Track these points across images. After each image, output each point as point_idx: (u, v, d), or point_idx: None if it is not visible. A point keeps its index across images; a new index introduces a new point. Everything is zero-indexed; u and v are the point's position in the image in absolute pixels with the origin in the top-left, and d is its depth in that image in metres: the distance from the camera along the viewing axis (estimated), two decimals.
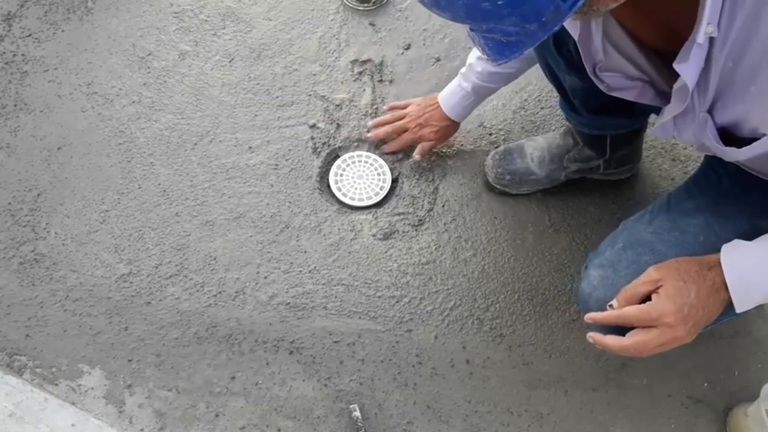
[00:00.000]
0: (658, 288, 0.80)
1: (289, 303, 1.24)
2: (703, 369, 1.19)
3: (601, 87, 0.87)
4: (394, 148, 1.39)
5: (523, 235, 1.31)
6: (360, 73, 1.48)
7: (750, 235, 0.80)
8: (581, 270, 0.99)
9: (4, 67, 1.48)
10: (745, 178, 0.89)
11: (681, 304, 0.77)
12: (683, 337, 0.78)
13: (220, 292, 1.25)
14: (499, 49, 0.67)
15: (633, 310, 0.80)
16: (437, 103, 1.31)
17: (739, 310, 0.77)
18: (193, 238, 1.30)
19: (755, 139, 0.72)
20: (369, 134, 1.40)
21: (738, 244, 0.79)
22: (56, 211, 1.32)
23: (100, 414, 1.13)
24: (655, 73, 0.81)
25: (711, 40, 0.66)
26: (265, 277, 1.26)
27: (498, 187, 1.33)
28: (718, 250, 0.80)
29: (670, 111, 0.78)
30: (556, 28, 0.62)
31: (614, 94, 0.86)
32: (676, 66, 0.69)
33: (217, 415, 1.14)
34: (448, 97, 1.29)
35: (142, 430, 1.12)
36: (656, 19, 0.74)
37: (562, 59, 1.02)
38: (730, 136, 0.76)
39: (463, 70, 1.25)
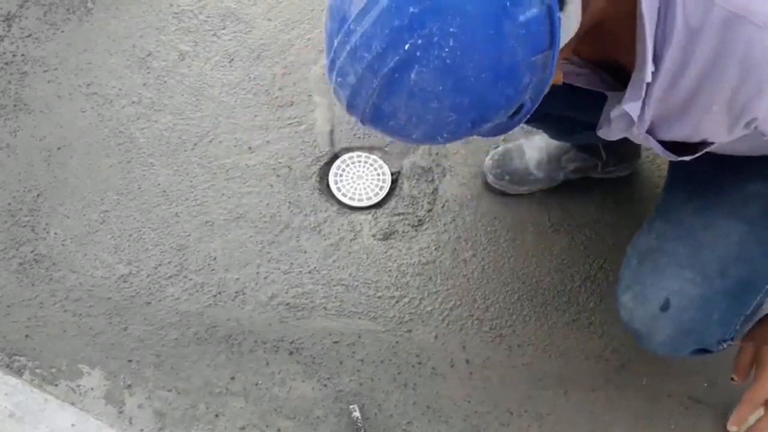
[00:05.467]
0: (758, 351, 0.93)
1: (288, 303, 1.24)
2: (703, 369, 1.19)
3: None
4: None
5: (523, 235, 1.31)
6: None
7: (740, 200, 0.87)
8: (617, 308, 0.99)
9: (3, 68, 1.48)
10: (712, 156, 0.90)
11: None
12: None
13: (219, 293, 1.25)
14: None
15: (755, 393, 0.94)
16: None
17: None
18: (193, 238, 1.30)
19: (700, 144, 0.76)
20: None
21: None
22: (56, 212, 1.32)
23: (99, 414, 1.13)
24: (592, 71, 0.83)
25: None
26: (265, 278, 1.26)
27: (497, 187, 1.33)
28: (719, 227, 0.88)
29: (615, 132, 0.80)
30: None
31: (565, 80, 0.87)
32: (625, 106, 0.72)
33: (216, 416, 1.14)
34: None
35: (141, 430, 1.12)
36: (597, 46, 0.76)
37: None
38: (676, 143, 0.79)
39: None
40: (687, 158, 0.78)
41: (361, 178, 1.37)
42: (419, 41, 0.55)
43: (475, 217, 1.33)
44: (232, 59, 1.51)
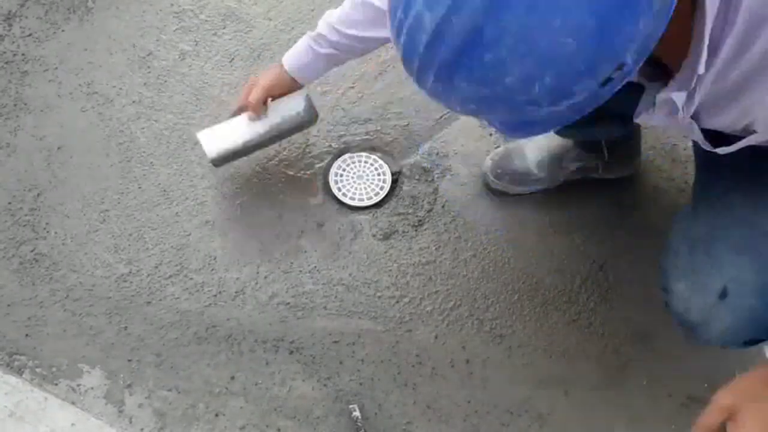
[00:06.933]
0: (732, 415, 0.75)
1: (288, 303, 1.24)
2: (703, 369, 1.19)
3: None
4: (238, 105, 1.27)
5: (523, 235, 1.31)
6: (361, 72, 1.48)
7: None
8: (663, 295, 0.95)
9: (4, 67, 1.48)
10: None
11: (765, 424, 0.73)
12: None
13: (219, 292, 1.25)
14: (515, 127, 0.66)
15: None
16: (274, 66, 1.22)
17: None
18: (193, 237, 1.30)
19: (741, 135, 0.74)
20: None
21: None
22: (56, 211, 1.32)
23: (100, 414, 1.13)
24: None
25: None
26: (265, 277, 1.26)
27: (497, 187, 1.33)
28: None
29: (657, 119, 0.78)
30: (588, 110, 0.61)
31: None
32: (673, 95, 0.70)
33: (216, 415, 1.14)
34: (295, 58, 1.18)
35: (141, 429, 1.12)
36: None
37: None
38: (716, 133, 0.78)
39: (312, 33, 1.15)
40: (723, 150, 0.75)
41: (361, 178, 1.37)
42: None
43: (475, 217, 1.33)
44: (233, 59, 1.50)
